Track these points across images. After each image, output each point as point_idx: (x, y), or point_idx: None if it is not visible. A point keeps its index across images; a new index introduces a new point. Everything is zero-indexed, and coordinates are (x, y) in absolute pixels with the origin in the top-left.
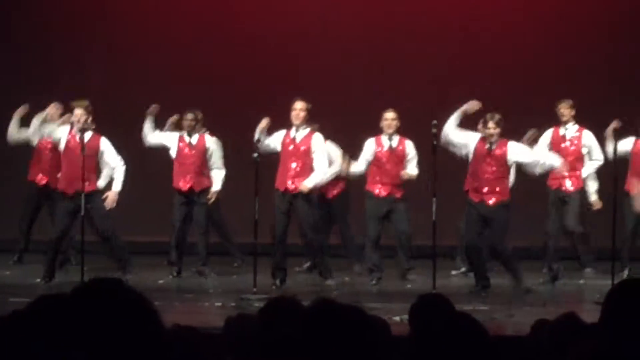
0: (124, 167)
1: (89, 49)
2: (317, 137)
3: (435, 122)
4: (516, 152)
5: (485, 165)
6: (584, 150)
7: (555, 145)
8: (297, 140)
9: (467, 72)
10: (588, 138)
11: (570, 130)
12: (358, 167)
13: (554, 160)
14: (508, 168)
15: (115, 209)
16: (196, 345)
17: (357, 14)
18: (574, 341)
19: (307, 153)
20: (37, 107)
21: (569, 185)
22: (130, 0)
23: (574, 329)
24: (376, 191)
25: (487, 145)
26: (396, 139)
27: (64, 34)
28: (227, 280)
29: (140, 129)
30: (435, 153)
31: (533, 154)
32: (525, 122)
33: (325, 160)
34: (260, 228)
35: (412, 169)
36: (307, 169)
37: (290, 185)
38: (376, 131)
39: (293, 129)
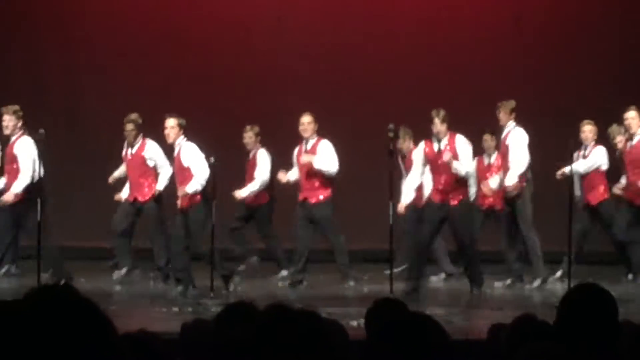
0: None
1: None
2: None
3: (391, 125)
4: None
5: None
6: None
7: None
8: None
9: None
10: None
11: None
12: (293, 174)
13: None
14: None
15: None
16: (154, 352)
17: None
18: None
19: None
20: None
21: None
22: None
23: (533, 329)
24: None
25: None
26: (312, 142)
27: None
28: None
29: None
30: (391, 157)
31: None
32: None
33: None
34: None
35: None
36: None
37: None
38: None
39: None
